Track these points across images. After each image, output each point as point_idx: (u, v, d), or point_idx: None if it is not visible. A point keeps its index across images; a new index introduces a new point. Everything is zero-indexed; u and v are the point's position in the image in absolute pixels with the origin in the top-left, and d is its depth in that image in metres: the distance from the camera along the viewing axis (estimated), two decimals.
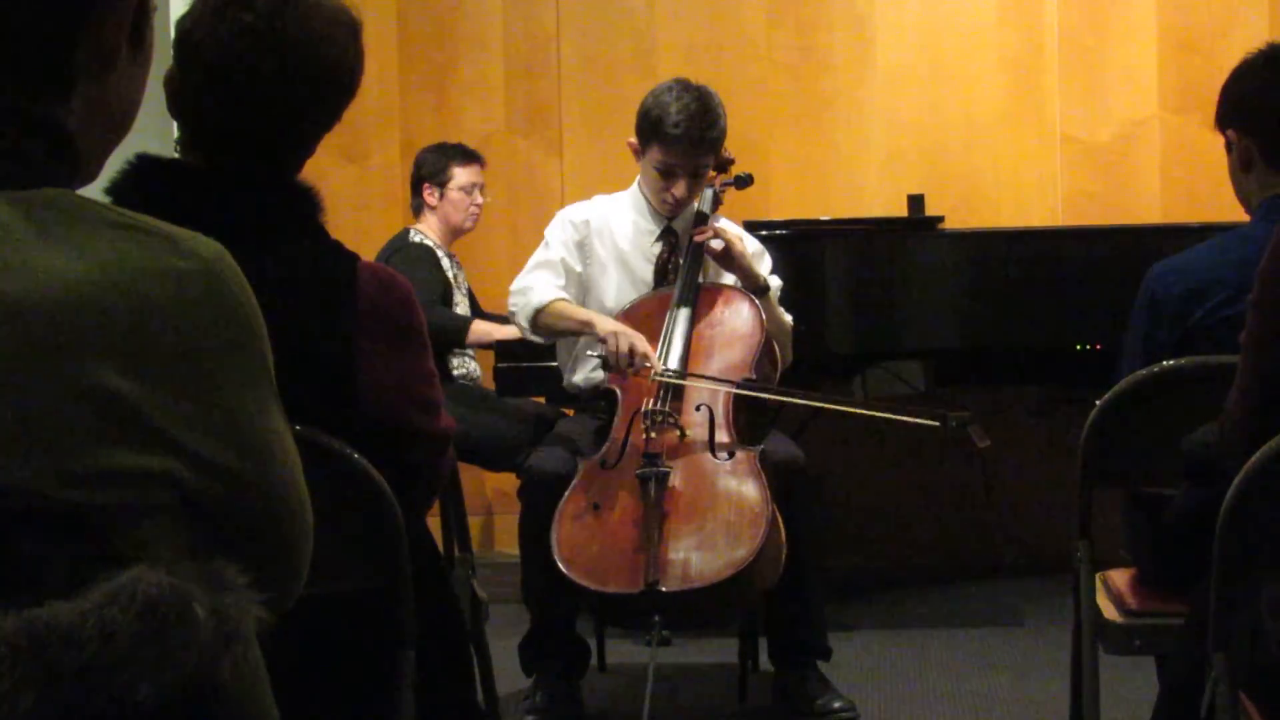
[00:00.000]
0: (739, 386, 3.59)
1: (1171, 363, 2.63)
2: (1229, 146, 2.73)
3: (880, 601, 5.05)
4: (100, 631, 1.06)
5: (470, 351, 5.08)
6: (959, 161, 5.70)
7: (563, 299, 3.80)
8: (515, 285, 3.87)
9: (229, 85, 2.04)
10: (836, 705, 3.69)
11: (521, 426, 4.66)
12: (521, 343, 4.29)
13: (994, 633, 4.63)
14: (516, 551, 3.81)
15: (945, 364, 4.91)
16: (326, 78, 2.07)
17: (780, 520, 3.38)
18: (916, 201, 5.13)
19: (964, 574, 5.33)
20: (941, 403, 5.35)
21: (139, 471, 1.15)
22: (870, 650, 4.44)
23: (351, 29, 2.10)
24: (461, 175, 5.10)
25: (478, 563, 3.00)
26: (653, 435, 3.49)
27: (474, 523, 4.21)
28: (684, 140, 3.73)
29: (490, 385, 4.85)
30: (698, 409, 3.57)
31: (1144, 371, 2.65)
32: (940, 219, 5.05)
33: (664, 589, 3.19)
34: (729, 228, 3.89)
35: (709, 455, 3.48)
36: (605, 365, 3.67)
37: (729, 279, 3.85)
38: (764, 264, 3.93)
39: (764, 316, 3.73)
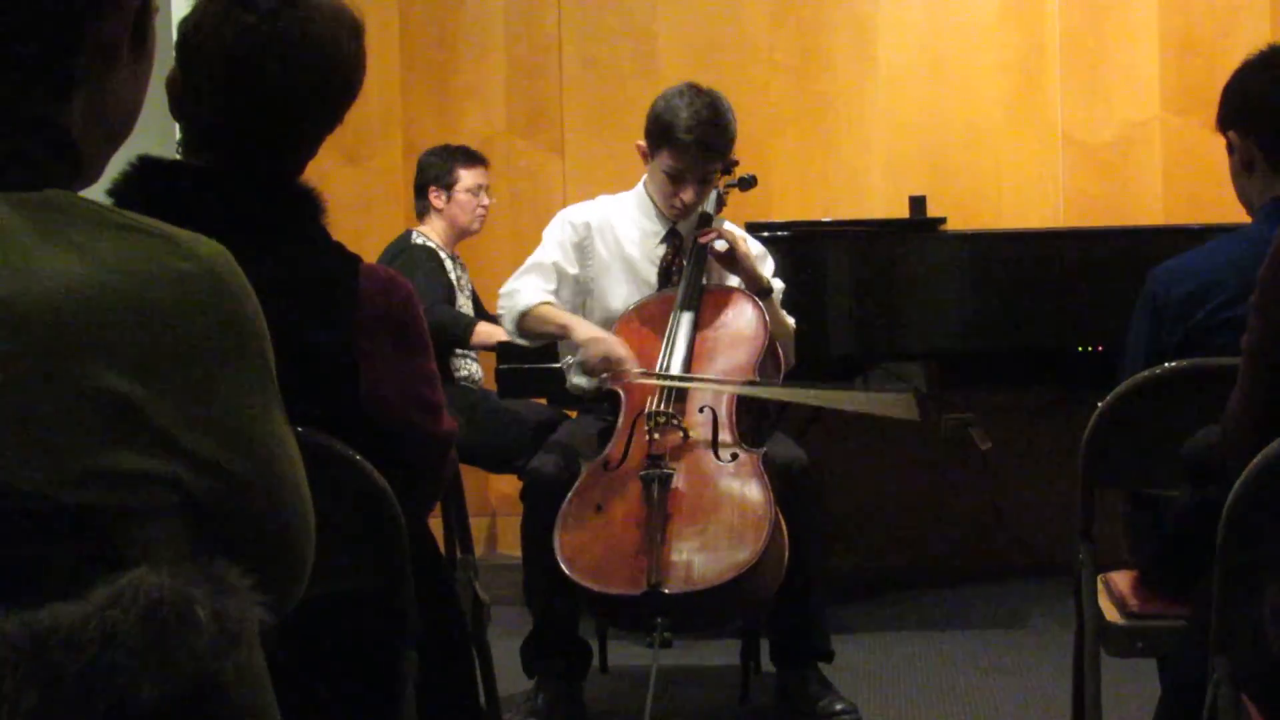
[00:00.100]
0: (713, 382, 3.61)
1: (1173, 364, 2.63)
2: (1230, 148, 2.73)
3: (882, 603, 5.05)
4: (102, 633, 1.06)
5: (472, 353, 5.08)
6: (961, 163, 5.70)
7: (548, 303, 3.79)
8: (504, 289, 3.87)
9: (231, 87, 2.04)
10: (838, 707, 3.69)
11: (523, 429, 4.66)
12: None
13: (996, 634, 4.63)
14: (519, 553, 3.81)
15: (947, 366, 4.91)
16: (328, 79, 2.07)
17: (783, 522, 3.38)
18: (918, 203, 5.12)
19: (966, 576, 5.33)
20: (943, 404, 5.38)
21: (141, 473, 1.15)
22: (872, 652, 4.44)
23: (353, 30, 2.10)
24: (467, 177, 5.12)
25: (480, 564, 3.00)
26: (656, 437, 3.49)
27: (476, 524, 4.21)
28: (696, 146, 3.72)
29: (492, 387, 4.85)
30: (700, 411, 3.57)
31: (1145, 373, 2.65)
32: (942, 220, 5.05)
33: (666, 591, 3.19)
34: (732, 230, 3.89)
35: (712, 457, 3.48)
36: (583, 370, 3.70)
37: (733, 281, 3.85)
38: (766, 266, 3.93)
39: (768, 318, 3.73)
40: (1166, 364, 2.64)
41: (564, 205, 4.19)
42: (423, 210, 5.15)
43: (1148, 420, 2.64)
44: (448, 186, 5.10)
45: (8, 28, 1.20)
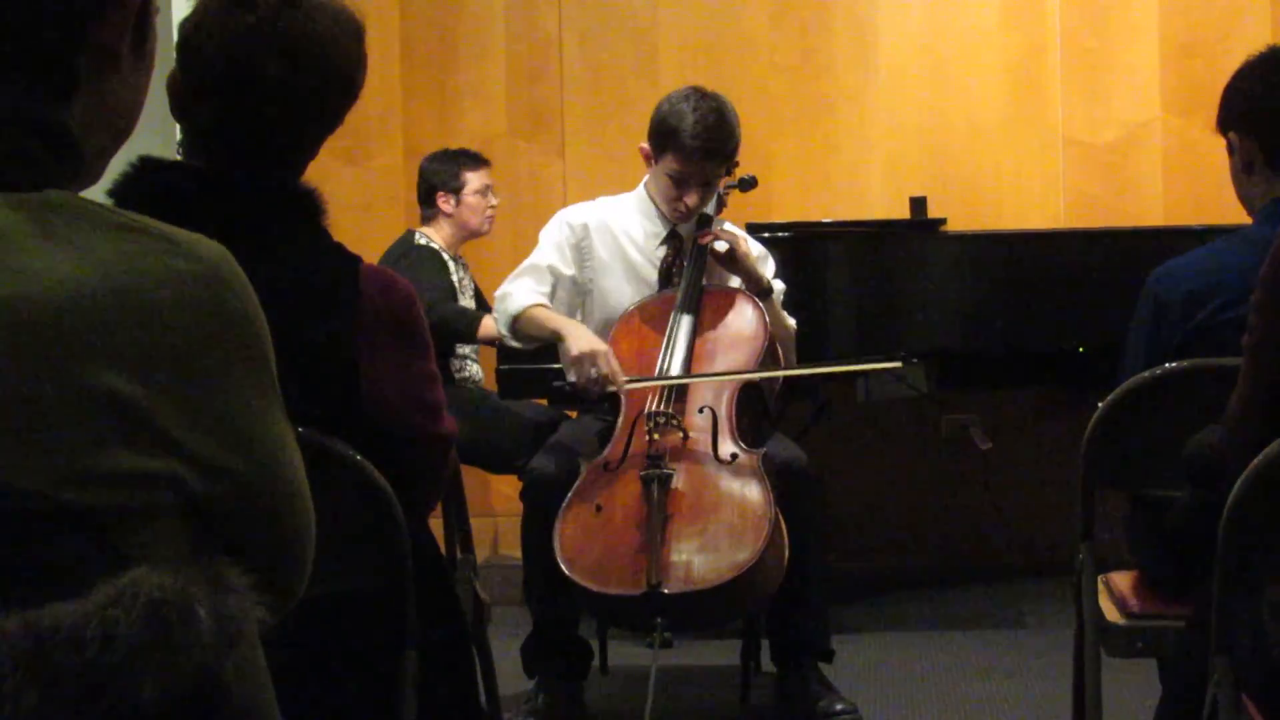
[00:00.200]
0: (704, 377, 3.61)
1: (1174, 365, 2.63)
2: (1231, 149, 2.73)
3: (883, 604, 5.05)
4: (103, 633, 1.06)
5: (473, 354, 5.09)
6: (961, 164, 5.70)
7: (540, 305, 3.79)
8: (498, 292, 3.87)
9: (231, 88, 2.04)
10: (839, 707, 3.69)
11: (523, 429, 4.67)
12: None
13: (996, 635, 4.63)
14: (519, 554, 3.81)
15: (948, 366, 4.91)
16: (329, 80, 2.08)
17: (783, 522, 3.38)
18: (919, 204, 5.13)
19: (966, 576, 5.33)
20: (944, 405, 5.39)
21: (141, 473, 1.15)
22: (873, 653, 4.44)
23: (354, 31, 2.10)
24: (474, 180, 5.14)
25: (480, 565, 3.00)
26: (655, 437, 3.49)
27: (477, 525, 4.20)
28: (701, 151, 3.72)
29: (492, 387, 4.86)
30: (700, 411, 3.57)
31: (1146, 374, 2.65)
32: (942, 221, 5.06)
33: (666, 591, 3.19)
34: (732, 230, 3.89)
35: (712, 457, 3.48)
36: (573, 390, 3.67)
37: (733, 282, 3.85)
38: (767, 267, 3.93)
39: (768, 319, 3.73)
40: (1167, 364, 2.64)
41: (564, 206, 4.18)
42: (430, 215, 5.16)
43: (1148, 421, 2.64)
44: (455, 190, 5.12)
45: (9, 27, 1.20)
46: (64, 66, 1.23)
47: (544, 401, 4.86)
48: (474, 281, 5.22)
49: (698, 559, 3.28)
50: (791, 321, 3.93)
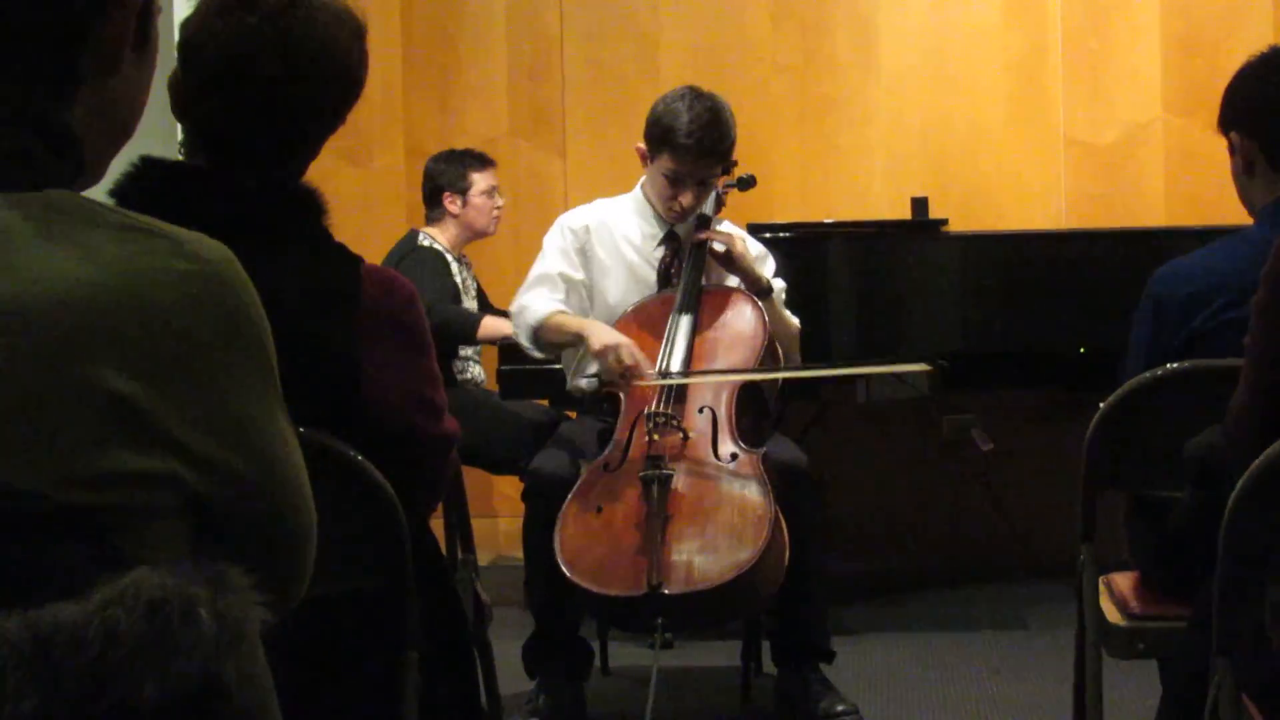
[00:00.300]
0: (728, 374, 3.61)
1: (1175, 366, 2.63)
2: (1232, 149, 2.72)
3: (883, 605, 5.05)
4: (104, 633, 1.06)
5: (474, 355, 5.09)
6: (963, 164, 5.70)
7: (559, 311, 3.79)
8: (513, 306, 3.88)
9: (233, 87, 2.04)
10: (839, 708, 3.69)
11: (524, 430, 4.67)
12: None
13: (997, 636, 4.63)
14: (520, 554, 3.81)
15: (949, 367, 4.90)
16: (331, 80, 2.07)
17: (783, 523, 3.37)
18: (920, 204, 5.13)
19: (967, 577, 5.33)
20: (945, 406, 5.38)
21: (142, 473, 1.15)
22: (873, 653, 4.44)
23: (356, 31, 2.10)
24: (480, 180, 5.14)
25: (481, 565, 3.00)
26: (656, 438, 3.49)
27: (478, 525, 4.19)
28: (695, 150, 3.73)
29: (494, 388, 4.86)
30: (700, 411, 3.57)
31: (1148, 375, 2.65)
32: (944, 221, 5.05)
33: (667, 591, 3.19)
34: (731, 230, 3.89)
35: (712, 457, 3.48)
36: (600, 380, 3.69)
37: (732, 281, 3.85)
38: (767, 267, 3.93)
39: (767, 318, 3.73)
40: (1168, 365, 2.63)
41: (566, 206, 4.19)
42: (436, 216, 5.16)
43: (1149, 422, 2.64)
44: (462, 191, 5.12)
45: (10, 27, 1.20)
46: (66, 66, 1.23)
47: (545, 402, 4.86)
48: (477, 281, 5.22)
49: (698, 559, 3.28)
50: (795, 321, 3.93)
